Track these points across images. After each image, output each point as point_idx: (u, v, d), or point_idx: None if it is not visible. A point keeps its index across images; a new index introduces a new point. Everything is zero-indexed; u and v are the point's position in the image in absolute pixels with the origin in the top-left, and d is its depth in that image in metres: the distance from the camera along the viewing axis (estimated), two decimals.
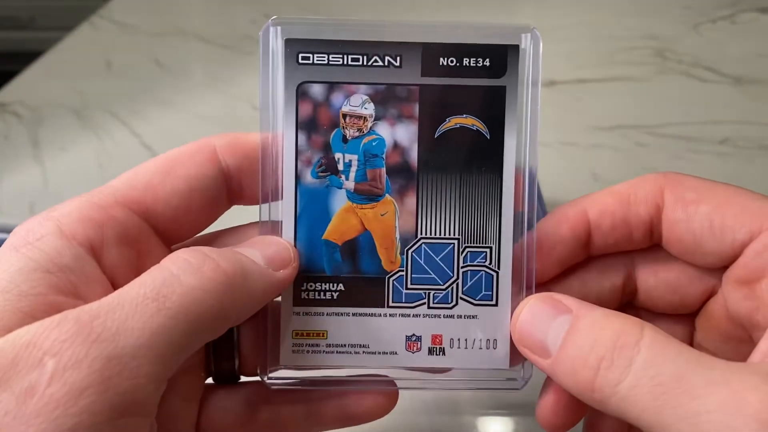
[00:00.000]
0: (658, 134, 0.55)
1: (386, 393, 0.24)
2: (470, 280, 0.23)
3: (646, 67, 0.63)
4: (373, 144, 0.23)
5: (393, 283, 0.23)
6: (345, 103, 0.23)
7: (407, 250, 0.23)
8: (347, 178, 0.23)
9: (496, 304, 0.23)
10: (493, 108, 0.23)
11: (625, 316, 0.19)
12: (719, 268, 0.22)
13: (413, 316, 0.23)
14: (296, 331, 0.23)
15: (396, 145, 0.23)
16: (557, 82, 0.61)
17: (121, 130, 0.58)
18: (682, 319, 0.24)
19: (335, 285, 0.23)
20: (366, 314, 0.23)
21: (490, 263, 0.23)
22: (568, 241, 0.23)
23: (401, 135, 0.23)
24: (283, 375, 0.24)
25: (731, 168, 0.51)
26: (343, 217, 0.23)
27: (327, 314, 0.23)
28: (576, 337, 0.20)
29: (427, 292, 0.23)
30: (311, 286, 0.23)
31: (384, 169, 0.23)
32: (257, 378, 0.24)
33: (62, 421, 0.16)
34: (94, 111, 0.61)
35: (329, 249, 0.23)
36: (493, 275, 0.23)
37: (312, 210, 0.23)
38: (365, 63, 0.23)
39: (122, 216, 0.21)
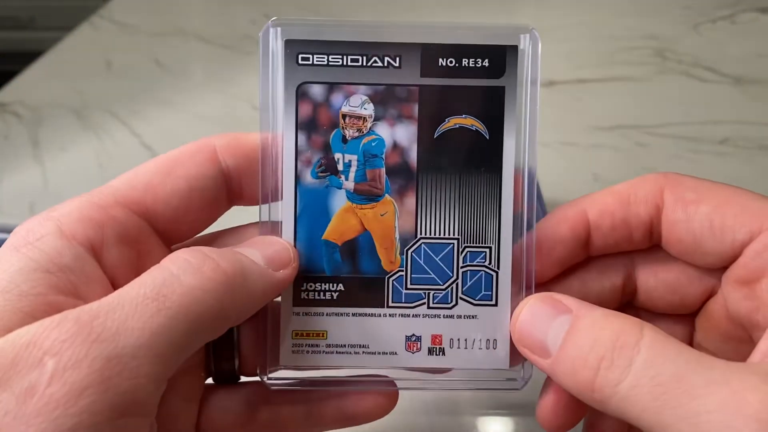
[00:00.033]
0: (658, 134, 0.55)
1: (386, 393, 0.24)
2: (470, 280, 0.23)
3: (646, 67, 0.63)
4: (373, 144, 0.23)
5: (393, 283, 0.23)
6: (344, 103, 0.23)
7: (407, 250, 0.23)
8: (347, 179, 0.23)
9: (496, 304, 0.23)
10: (493, 108, 0.23)
11: (624, 316, 0.19)
12: (719, 268, 0.22)
13: (413, 316, 0.23)
14: (296, 331, 0.23)
15: (395, 146, 0.23)
16: (557, 82, 0.61)
17: (121, 130, 0.58)
18: (682, 320, 0.24)
19: (335, 285, 0.23)
20: (366, 314, 0.23)
21: (490, 263, 0.23)
22: (567, 241, 0.23)
23: (401, 135, 0.23)
24: (282, 375, 0.24)
25: (731, 168, 0.51)
26: (343, 218, 0.23)
27: (327, 314, 0.23)
28: (576, 337, 0.20)
29: (426, 292, 0.23)
30: (311, 286, 0.23)
31: (383, 170, 0.23)
32: (257, 378, 0.24)
33: (62, 421, 0.16)
34: (94, 111, 0.61)
35: (329, 249, 0.23)
36: (492, 275, 0.23)
37: (312, 210, 0.23)
38: (365, 64, 0.23)
39: (122, 216, 0.21)
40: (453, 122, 0.23)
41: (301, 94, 0.23)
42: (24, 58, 0.72)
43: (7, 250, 0.20)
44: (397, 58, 0.23)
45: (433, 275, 0.23)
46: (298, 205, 0.23)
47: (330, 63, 0.23)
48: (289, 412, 0.24)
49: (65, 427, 0.16)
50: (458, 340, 0.23)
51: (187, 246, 0.21)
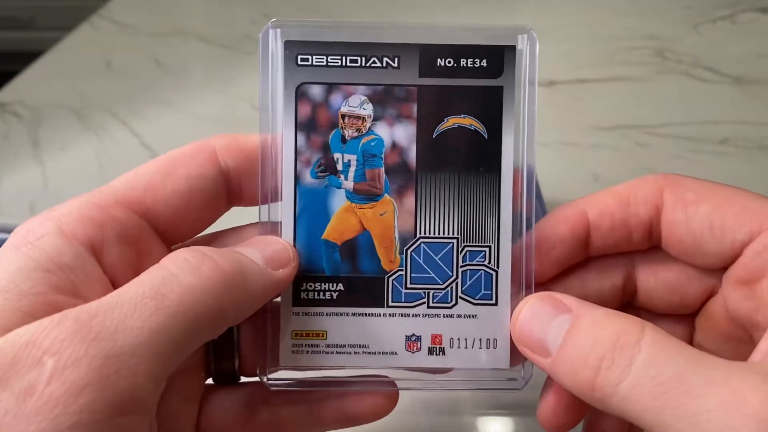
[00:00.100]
0: (658, 134, 0.55)
1: (386, 394, 0.24)
2: (469, 280, 0.23)
3: (646, 67, 0.63)
4: (372, 144, 0.23)
5: (392, 283, 0.23)
6: (344, 103, 0.23)
7: (406, 250, 0.23)
8: (346, 178, 0.23)
9: (496, 304, 0.23)
10: (491, 108, 0.23)
11: (625, 316, 0.19)
12: (719, 268, 0.22)
13: (413, 315, 0.23)
14: (296, 331, 0.23)
15: (394, 145, 0.23)
16: (557, 82, 0.61)
17: (121, 130, 0.58)
18: (682, 320, 0.24)
19: (335, 285, 0.23)
20: (365, 314, 0.23)
21: (489, 262, 0.23)
22: (567, 241, 0.23)
23: (400, 135, 0.23)
24: (282, 376, 0.24)
25: (731, 168, 0.51)
26: (343, 217, 0.23)
27: (326, 314, 0.23)
28: (576, 336, 0.20)
29: (426, 291, 0.23)
30: (311, 286, 0.23)
31: (383, 169, 0.23)
32: (257, 378, 0.24)
33: (62, 419, 0.16)
34: (94, 111, 0.61)
35: (328, 249, 0.23)
36: (492, 274, 0.23)
37: (311, 210, 0.23)
38: (363, 64, 0.23)
39: (122, 216, 0.22)
40: (452, 122, 0.23)
41: (300, 95, 0.23)
42: (24, 58, 0.72)
43: (7, 249, 0.20)
44: (396, 59, 0.23)
45: (432, 275, 0.23)
46: (297, 205, 0.23)
47: (329, 64, 0.23)
48: (289, 412, 0.24)
49: (65, 426, 0.16)
50: (458, 339, 0.23)
51: (187, 246, 0.21)
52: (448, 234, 0.23)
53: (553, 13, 0.74)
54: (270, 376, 0.23)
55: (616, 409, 0.18)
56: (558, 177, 0.47)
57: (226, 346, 0.24)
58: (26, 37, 1.25)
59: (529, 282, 0.23)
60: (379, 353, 0.23)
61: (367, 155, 0.23)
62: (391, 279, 0.23)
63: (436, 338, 0.23)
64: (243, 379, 0.25)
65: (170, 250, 0.23)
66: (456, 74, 0.23)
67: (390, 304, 0.23)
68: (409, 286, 0.23)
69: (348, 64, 0.23)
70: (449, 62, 0.23)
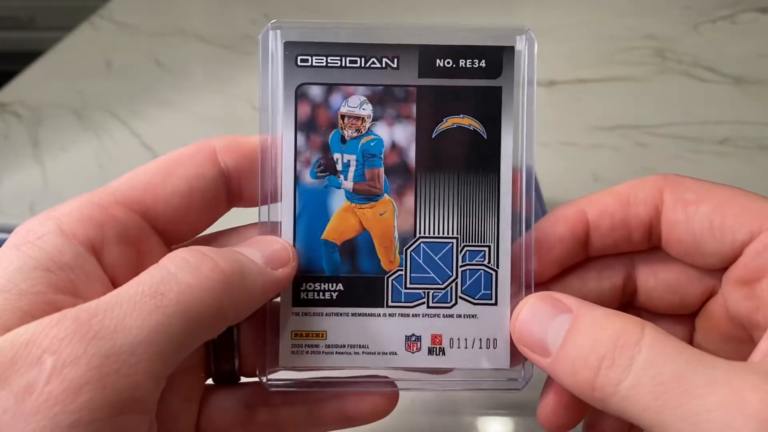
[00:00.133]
0: (658, 134, 0.55)
1: (386, 394, 0.24)
2: (469, 279, 0.23)
3: (646, 67, 0.63)
4: (371, 144, 0.23)
5: (392, 283, 0.23)
6: (343, 104, 0.23)
7: (406, 250, 0.23)
8: (346, 178, 0.23)
9: (496, 303, 0.23)
10: (490, 108, 0.23)
11: (625, 316, 0.19)
12: (719, 268, 0.22)
13: (413, 315, 0.23)
14: (295, 331, 0.23)
15: (394, 146, 0.23)
16: (557, 82, 0.61)
17: (121, 130, 0.58)
18: (682, 320, 0.24)
19: (334, 285, 0.23)
20: (365, 314, 0.23)
21: (489, 262, 0.23)
22: (566, 240, 0.23)
23: (399, 135, 0.23)
24: (282, 376, 0.24)
25: (731, 168, 0.51)
26: (342, 217, 0.23)
27: (326, 314, 0.23)
28: (576, 336, 0.20)
29: (426, 291, 0.23)
30: (310, 286, 0.23)
31: (382, 169, 0.23)
32: (257, 379, 0.24)
33: (61, 418, 0.16)
34: (94, 111, 0.61)
35: (328, 249, 0.23)
36: (492, 274, 0.23)
37: (311, 210, 0.23)
38: (363, 65, 0.23)
39: (123, 215, 0.22)
40: (451, 122, 0.23)
41: (300, 95, 0.23)
42: (24, 58, 0.72)
43: (7, 248, 0.20)
44: (395, 59, 0.23)
45: (432, 274, 0.23)
46: (297, 205, 0.23)
47: (329, 64, 0.23)
48: (289, 413, 0.24)
49: (64, 425, 0.16)
50: (458, 339, 0.23)
51: (187, 246, 0.21)
52: (448, 234, 0.23)
53: (553, 13, 0.74)
54: (270, 376, 0.23)
55: (616, 409, 0.18)
56: (558, 177, 0.47)
57: (226, 347, 0.24)
58: (26, 37, 1.25)
59: (529, 282, 0.23)
60: (378, 353, 0.23)
61: (367, 155, 0.23)
62: (390, 279, 0.23)
63: (435, 338, 0.23)
64: (243, 379, 0.25)
65: (170, 250, 0.23)
66: (455, 75, 0.23)
67: (390, 304, 0.23)
68: (408, 286, 0.23)
69: (347, 64, 0.23)
70: (448, 63, 0.23)
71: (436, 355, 0.23)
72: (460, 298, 0.23)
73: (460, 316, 0.23)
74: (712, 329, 0.23)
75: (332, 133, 0.23)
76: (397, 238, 0.23)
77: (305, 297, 0.23)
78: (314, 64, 0.23)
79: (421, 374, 0.24)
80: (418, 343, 0.23)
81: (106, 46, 0.72)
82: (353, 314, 0.23)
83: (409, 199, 0.23)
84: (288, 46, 0.23)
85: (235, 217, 0.25)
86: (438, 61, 0.23)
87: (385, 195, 0.23)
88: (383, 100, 0.23)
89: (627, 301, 0.25)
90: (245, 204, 0.24)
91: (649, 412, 0.17)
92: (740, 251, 0.21)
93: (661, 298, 0.24)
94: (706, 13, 0.71)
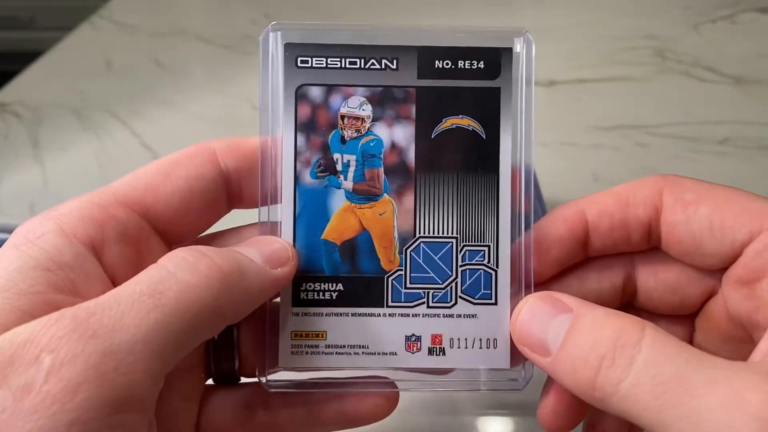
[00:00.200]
0: (658, 134, 0.55)
1: (386, 395, 0.24)
2: (469, 279, 0.23)
3: (646, 67, 0.63)
4: (371, 144, 0.23)
5: (392, 283, 0.23)
6: (343, 104, 0.23)
7: (406, 250, 0.23)
8: (345, 178, 0.23)
9: (496, 303, 0.23)
10: (489, 109, 0.23)
11: (626, 315, 0.19)
12: (719, 269, 0.22)
13: (413, 315, 0.23)
14: (295, 332, 0.23)
15: (393, 146, 0.23)
16: (557, 82, 0.61)
17: (121, 130, 0.58)
18: (682, 320, 0.24)
19: (334, 285, 0.23)
20: (365, 314, 0.23)
21: (489, 261, 0.23)
22: (566, 240, 0.23)
23: (398, 135, 0.23)
24: (281, 377, 0.24)
25: (731, 168, 0.51)
26: (342, 217, 0.23)
27: (326, 315, 0.23)
28: (576, 336, 0.20)
29: (426, 291, 0.23)
30: (310, 286, 0.23)
31: (382, 169, 0.23)
32: (257, 379, 0.24)
33: (59, 417, 0.16)
34: (94, 111, 0.61)
35: (328, 249, 0.23)
36: (491, 273, 0.23)
37: (311, 210, 0.23)
38: (362, 66, 0.23)
39: (123, 215, 0.22)
40: (450, 122, 0.23)
41: (300, 96, 0.23)
42: (24, 58, 0.72)
43: (7, 248, 0.20)
44: (395, 61, 0.23)
45: (432, 274, 0.23)
46: (297, 205, 0.23)
47: (328, 65, 0.23)
48: (289, 413, 0.24)
49: (62, 423, 0.16)
50: (458, 339, 0.23)
51: (187, 246, 0.21)
52: (448, 233, 0.23)
53: (553, 13, 0.74)
54: (269, 377, 0.23)
55: (617, 408, 0.18)
56: (558, 177, 0.47)
57: (226, 347, 0.24)
58: (26, 37, 1.25)
59: (529, 281, 0.23)
60: (379, 353, 0.23)
61: (367, 155, 0.23)
62: (390, 279, 0.23)
63: (436, 338, 0.23)
64: (243, 379, 0.25)
65: (170, 251, 0.23)
66: (454, 76, 0.23)
67: (390, 304, 0.23)
68: (408, 285, 0.23)
69: (347, 65, 0.23)
70: (447, 64, 0.23)
71: (436, 355, 0.23)
72: (460, 297, 0.23)
73: (460, 316, 0.23)
74: (712, 329, 0.23)
75: (332, 133, 0.23)
76: (396, 237, 0.24)
77: (305, 297, 0.23)
78: (314, 65, 0.23)
79: (422, 375, 0.24)
80: (418, 343, 0.23)
81: (106, 46, 0.72)
82: (353, 314, 0.23)
83: (409, 199, 0.23)
84: (288, 47, 0.23)
85: (236, 218, 0.25)
86: (437, 62, 0.23)
87: (385, 195, 0.24)
88: (383, 100, 0.23)
89: (627, 302, 0.25)
90: (245, 205, 0.24)
91: (650, 411, 0.17)
92: (740, 251, 0.21)
93: (661, 299, 0.24)
94: (706, 13, 0.71)
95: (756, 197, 0.21)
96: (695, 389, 0.17)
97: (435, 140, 0.23)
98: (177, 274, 0.19)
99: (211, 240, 0.24)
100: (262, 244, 0.22)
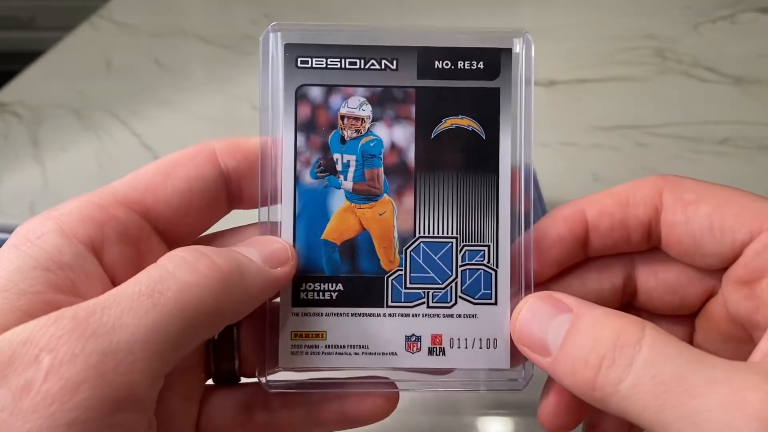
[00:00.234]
0: (658, 134, 0.55)
1: (386, 395, 0.24)
2: (469, 279, 0.23)
3: (646, 67, 0.63)
4: (371, 144, 0.23)
5: (392, 283, 0.23)
6: (343, 105, 0.23)
7: (406, 249, 0.23)
8: (345, 178, 0.23)
9: (495, 303, 0.23)
10: (488, 109, 0.23)
11: (626, 315, 0.19)
12: (719, 269, 0.22)
13: (412, 315, 0.23)
14: (295, 332, 0.23)
15: (393, 146, 0.23)
16: (557, 82, 0.61)
17: (121, 130, 0.58)
18: (682, 320, 0.24)
19: (334, 285, 0.23)
20: (365, 314, 0.23)
21: (489, 261, 0.23)
22: (565, 240, 0.23)
23: (398, 136, 0.23)
24: (281, 377, 0.24)
25: (731, 168, 0.51)
26: (342, 217, 0.23)
27: (326, 315, 0.23)
28: (577, 336, 0.20)
29: (426, 291, 0.23)
30: (310, 286, 0.23)
31: (382, 169, 0.23)
32: (257, 379, 0.24)
33: (58, 416, 0.16)
34: (94, 111, 0.61)
35: (328, 249, 0.23)
36: (491, 273, 0.23)
37: (311, 210, 0.23)
38: (362, 66, 0.23)
39: (123, 215, 0.22)
40: (449, 123, 0.23)
41: (300, 96, 0.23)
42: (24, 58, 0.72)
43: (7, 248, 0.20)
44: (394, 61, 0.23)
45: (432, 274, 0.23)
46: (297, 205, 0.23)
47: (328, 66, 0.23)
48: (289, 414, 0.24)
49: (61, 423, 0.16)
50: (458, 339, 0.23)
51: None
52: (447, 233, 0.23)
53: (553, 13, 0.74)
54: (269, 377, 0.23)
55: (617, 408, 0.18)
56: (558, 177, 0.47)
57: (226, 347, 0.24)
58: (26, 37, 1.25)
59: (529, 281, 0.23)
60: (379, 354, 0.23)
61: (366, 155, 0.23)
62: (390, 279, 0.23)
63: (436, 338, 0.23)
64: (243, 379, 0.25)
65: (170, 251, 0.23)
66: (453, 76, 0.23)
67: (390, 304, 0.23)
68: (408, 285, 0.23)
69: (347, 66, 0.23)
70: (447, 64, 0.23)
71: (437, 355, 0.23)
72: (460, 297, 0.23)
73: (460, 316, 0.23)
74: (712, 329, 0.23)
75: (332, 133, 0.23)
76: (396, 237, 0.24)
77: (305, 297, 0.23)
78: (314, 65, 0.23)
79: (422, 375, 0.24)
80: (418, 343, 0.23)
81: (106, 46, 0.72)
82: (353, 314, 0.23)
83: (409, 199, 0.23)
84: (288, 48, 0.23)
85: (236, 218, 0.25)
86: (437, 62, 0.23)
87: (385, 195, 0.24)
88: (382, 101, 0.23)
89: (627, 302, 0.25)
90: (245, 206, 0.24)
91: (650, 411, 0.17)
92: (740, 251, 0.21)
93: (661, 299, 0.24)
94: (706, 13, 0.71)
95: (756, 197, 0.21)
96: (695, 389, 0.17)
97: (435, 140, 0.23)
98: (176, 274, 0.19)
99: (211, 240, 0.24)
100: (262, 243, 0.22)
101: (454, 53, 0.23)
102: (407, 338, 0.23)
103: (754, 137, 0.53)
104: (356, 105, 0.23)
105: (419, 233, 0.23)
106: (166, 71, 0.67)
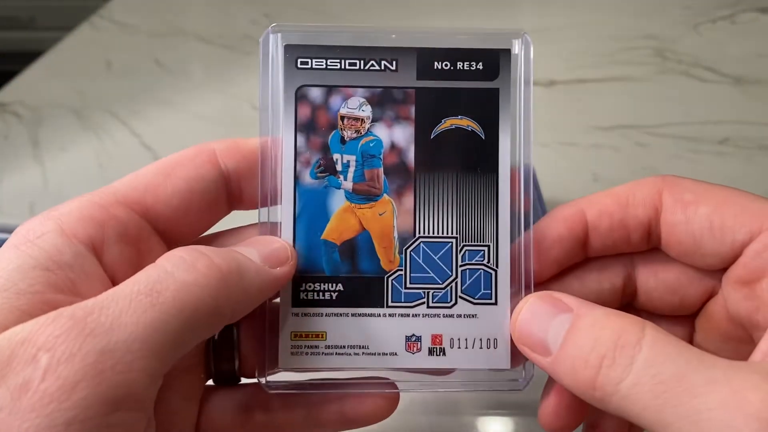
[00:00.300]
0: (658, 134, 0.55)
1: (386, 396, 0.24)
2: (469, 279, 0.23)
3: (646, 67, 0.63)
4: (371, 145, 0.23)
5: (392, 283, 0.23)
6: (343, 105, 0.23)
7: (406, 249, 0.23)
8: (345, 179, 0.23)
9: (496, 303, 0.23)
10: (487, 109, 0.23)
11: (626, 315, 0.20)
12: (719, 269, 0.22)
13: (413, 315, 0.23)
14: (295, 332, 0.23)
15: (393, 146, 0.23)
16: (557, 82, 0.61)
17: (121, 130, 0.58)
18: (682, 321, 0.24)
19: (334, 285, 0.23)
20: (365, 314, 0.23)
21: (488, 261, 0.23)
22: (565, 240, 0.23)
23: (398, 136, 0.23)
24: (281, 378, 0.24)
25: (731, 168, 0.51)
26: (342, 217, 0.23)
27: (326, 315, 0.23)
28: (577, 336, 0.20)
29: (426, 291, 0.23)
30: (310, 286, 0.23)
31: (381, 169, 0.23)
32: (257, 380, 0.24)
33: (56, 415, 0.16)
34: (94, 111, 0.61)
35: (328, 249, 0.23)
36: (491, 273, 0.23)
37: (311, 210, 0.23)
38: (362, 67, 0.23)
39: (123, 215, 0.22)
40: (449, 123, 0.23)
41: (300, 97, 0.23)
42: (24, 58, 0.72)
43: (6, 248, 0.20)
44: (394, 62, 0.23)
45: (432, 274, 0.23)
46: (297, 206, 0.23)
47: (328, 66, 0.23)
48: (289, 414, 0.24)
49: (59, 422, 0.16)
50: (458, 339, 0.23)
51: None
52: (447, 233, 0.23)
53: (552, 13, 0.74)
54: (269, 378, 0.23)
55: (617, 408, 0.18)
56: (558, 177, 0.47)
57: (227, 347, 0.24)
58: (26, 37, 1.25)
59: (529, 281, 0.23)
60: (379, 354, 0.23)
61: (366, 156, 0.23)
62: (390, 279, 0.23)
63: (436, 338, 0.23)
64: (243, 380, 0.25)
65: None
66: (453, 77, 0.23)
67: (390, 304, 0.23)
68: (408, 285, 0.23)
69: (347, 67, 0.23)
70: (446, 65, 0.23)
71: (437, 355, 0.23)
72: (460, 297, 0.23)
73: (460, 316, 0.23)
74: (712, 330, 0.23)
75: (332, 134, 0.23)
76: (396, 237, 0.24)
77: (305, 297, 0.23)
78: (314, 66, 0.23)
79: (422, 375, 0.24)
80: (419, 343, 0.23)
81: (106, 46, 0.72)
82: (353, 314, 0.23)
83: (409, 199, 0.23)
84: (288, 49, 0.23)
85: (236, 219, 0.25)
86: (436, 63, 0.23)
87: (385, 195, 0.24)
88: (382, 101, 0.23)
89: (627, 302, 0.25)
90: (245, 206, 0.24)
91: (650, 411, 0.17)
92: (740, 251, 0.21)
93: (661, 299, 0.24)
94: (706, 13, 0.71)
95: (756, 197, 0.21)
96: (695, 389, 0.17)
97: (434, 141, 0.23)
98: (175, 273, 0.19)
99: (211, 240, 0.24)
100: (261, 243, 0.22)
101: (453, 54, 0.23)
102: (407, 338, 0.23)
103: (754, 137, 0.53)
104: (356, 105, 0.23)
105: (419, 233, 0.23)
106: (166, 71, 0.67)
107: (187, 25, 0.75)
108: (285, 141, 0.23)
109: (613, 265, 0.24)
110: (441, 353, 0.23)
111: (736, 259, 0.21)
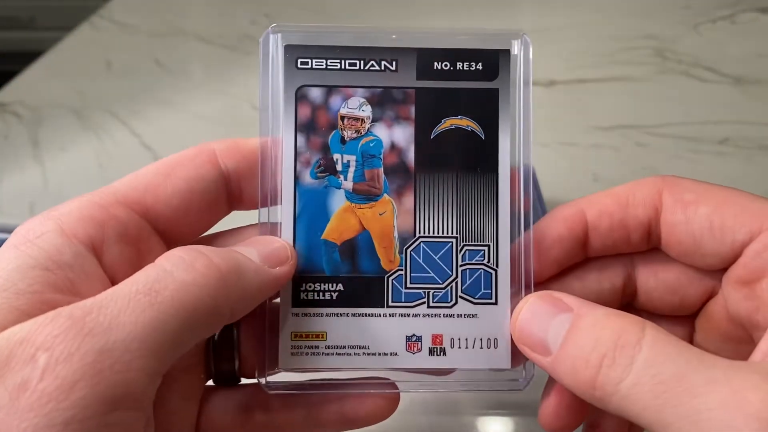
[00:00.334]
0: (658, 134, 0.55)
1: (387, 396, 0.24)
2: (469, 279, 0.23)
3: (646, 67, 0.63)
4: (371, 145, 0.23)
5: (392, 283, 0.23)
6: (343, 105, 0.23)
7: (406, 249, 0.23)
8: (345, 179, 0.23)
9: (496, 303, 0.23)
10: (487, 109, 0.24)
11: (626, 315, 0.20)
12: (719, 269, 0.22)
13: (413, 315, 0.23)
14: (295, 332, 0.23)
15: (393, 146, 0.23)
16: (557, 82, 0.61)
17: (121, 130, 0.58)
18: (682, 321, 0.24)
19: (334, 285, 0.23)
20: (365, 314, 0.23)
21: (489, 261, 0.23)
22: (565, 240, 0.23)
23: (398, 136, 0.23)
24: (281, 378, 0.23)
25: (731, 168, 0.51)
26: (342, 217, 0.23)
27: (326, 315, 0.23)
28: (577, 336, 0.20)
29: (426, 291, 0.23)
30: (310, 286, 0.23)
31: (381, 169, 0.23)
32: (256, 380, 0.24)
33: (55, 415, 0.16)
34: (94, 111, 0.61)
35: (328, 249, 0.23)
36: (491, 273, 0.23)
37: (311, 210, 0.23)
38: (362, 67, 0.23)
39: (123, 215, 0.22)
40: (449, 123, 0.23)
41: (300, 97, 0.23)
42: (24, 58, 0.72)
43: (6, 248, 0.20)
44: (394, 62, 0.23)
45: (432, 274, 0.23)
46: (297, 206, 0.23)
47: (328, 67, 0.23)
48: (289, 415, 0.24)
49: (58, 421, 0.16)
50: (459, 339, 0.23)
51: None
52: (447, 233, 0.23)
53: (553, 13, 0.74)
54: (269, 378, 0.23)
55: (617, 407, 0.18)
56: (558, 177, 0.48)
57: (226, 347, 0.24)
58: (26, 37, 1.25)
59: (529, 281, 0.23)
60: (379, 354, 0.23)
61: (366, 156, 0.23)
62: (390, 279, 0.23)
63: (436, 338, 0.23)
64: (243, 380, 0.25)
65: None
66: (452, 77, 0.23)
67: (390, 304, 0.23)
68: (408, 285, 0.23)
69: (347, 67, 0.23)
70: (446, 65, 0.23)
71: (437, 355, 0.23)
72: (461, 297, 0.23)
73: (460, 315, 0.23)
74: (712, 330, 0.23)
75: (332, 134, 0.23)
76: (396, 237, 0.24)
77: (305, 297, 0.23)
78: (314, 66, 0.23)
79: (422, 375, 0.24)
80: (419, 343, 0.23)
81: (106, 46, 0.72)
82: (353, 314, 0.23)
83: (409, 199, 0.23)
84: (288, 49, 0.23)
85: (236, 219, 0.25)
86: (436, 63, 0.23)
87: (385, 195, 0.24)
88: (382, 101, 0.23)
89: (627, 302, 0.25)
90: (245, 206, 0.24)
91: (650, 410, 0.17)
92: (740, 251, 0.21)
93: (661, 299, 0.24)
94: (706, 13, 0.71)
95: (756, 197, 0.21)
96: (695, 389, 0.17)
97: (434, 141, 0.23)
98: (173, 273, 0.19)
99: (212, 241, 0.24)
100: (261, 243, 0.22)
101: (453, 54, 0.23)
102: (408, 338, 0.23)
103: (754, 137, 0.53)
104: (356, 105, 0.23)
105: (419, 233, 0.23)
106: (166, 71, 0.67)
107: (187, 25, 0.75)
108: (285, 141, 0.23)
109: (613, 265, 0.24)
110: (441, 353, 0.23)
111: (736, 259, 0.21)
